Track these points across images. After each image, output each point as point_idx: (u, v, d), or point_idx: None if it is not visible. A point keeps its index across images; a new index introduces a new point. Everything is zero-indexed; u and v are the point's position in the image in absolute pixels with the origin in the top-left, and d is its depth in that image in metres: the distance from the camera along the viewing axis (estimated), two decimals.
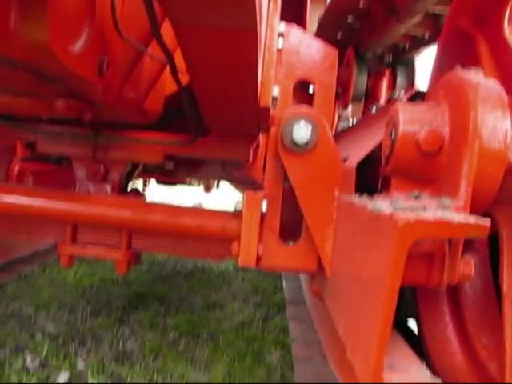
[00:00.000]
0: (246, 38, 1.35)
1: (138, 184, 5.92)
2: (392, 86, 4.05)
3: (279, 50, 2.18)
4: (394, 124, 1.54)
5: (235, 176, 3.30)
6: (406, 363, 1.49)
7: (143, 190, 5.88)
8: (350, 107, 4.49)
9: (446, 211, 1.27)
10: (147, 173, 3.30)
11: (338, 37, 4.20)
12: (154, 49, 1.96)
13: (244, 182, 3.41)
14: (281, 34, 2.12)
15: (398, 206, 1.31)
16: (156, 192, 6.60)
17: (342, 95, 4.10)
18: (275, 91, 2.02)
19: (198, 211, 2.34)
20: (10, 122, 2.48)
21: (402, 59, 4.06)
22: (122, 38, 1.56)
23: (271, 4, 1.93)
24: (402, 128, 1.48)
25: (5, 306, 3.66)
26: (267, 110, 1.99)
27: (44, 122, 2.56)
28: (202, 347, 3.25)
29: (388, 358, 1.33)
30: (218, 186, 6.42)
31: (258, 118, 2.11)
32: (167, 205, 2.37)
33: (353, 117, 4.93)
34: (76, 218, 2.41)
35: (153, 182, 5.45)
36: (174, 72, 1.69)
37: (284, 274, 5.06)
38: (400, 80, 4.00)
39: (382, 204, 1.34)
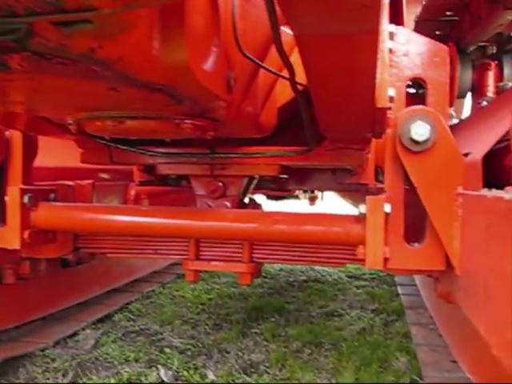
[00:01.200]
0: (368, 41, 1.36)
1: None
2: (499, 78, 3.91)
3: (390, 51, 2.17)
4: None
5: (346, 183, 3.29)
6: None
7: None
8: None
9: None
10: (257, 188, 3.35)
11: (437, 33, 4.12)
12: (268, 61, 2.03)
13: (355, 189, 3.40)
14: (391, 35, 2.12)
15: None
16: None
17: None
18: (391, 92, 2.01)
19: (320, 217, 2.35)
20: (132, 147, 2.62)
21: (508, 49, 3.93)
22: (243, 54, 1.62)
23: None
24: None
25: (132, 323, 3.83)
26: (384, 110, 1.99)
27: (161, 145, 2.69)
28: (326, 356, 3.25)
29: None
30: (322, 198, 6.43)
31: (374, 121, 2.11)
32: (289, 213, 2.40)
33: (455, 114, 4.80)
34: (200, 233, 2.49)
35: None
36: (294, 84, 1.73)
37: (399, 281, 4.98)
38: (508, 71, 3.86)
39: None
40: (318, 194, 6.38)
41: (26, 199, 2.54)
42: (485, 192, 1.64)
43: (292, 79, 1.72)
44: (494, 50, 4.09)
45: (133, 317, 3.99)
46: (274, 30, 1.35)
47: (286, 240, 2.44)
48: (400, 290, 4.74)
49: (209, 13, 1.37)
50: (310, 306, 4.27)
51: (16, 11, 0.90)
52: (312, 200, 6.50)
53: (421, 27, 3.99)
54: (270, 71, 1.91)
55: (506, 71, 3.87)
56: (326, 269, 5.65)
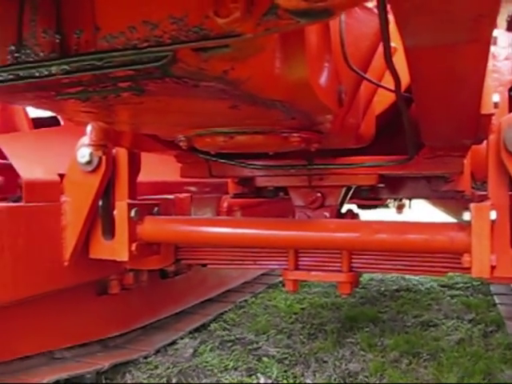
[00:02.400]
0: (479, 49, 1.36)
1: None
2: None
3: (492, 56, 2.15)
4: None
5: (441, 191, 3.25)
6: None
7: None
8: None
9: None
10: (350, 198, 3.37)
11: None
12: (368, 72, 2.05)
13: (450, 196, 3.35)
14: (493, 39, 2.10)
15: None
16: None
17: None
18: (496, 97, 1.99)
19: (423, 226, 2.34)
20: (231, 160, 2.70)
21: None
22: (350, 68, 1.65)
23: None
24: None
25: (227, 332, 3.91)
26: (489, 116, 1.97)
27: (259, 158, 2.76)
28: (426, 366, 3.21)
29: None
30: (410, 206, 6.34)
31: (477, 128, 2.09)
32: (390, 222, 2.41)
33: None
34: (300, 244, 2.53)
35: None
36: (400, 94, 1.74)
37: (495, 290, 4.85)
38: None
39: None
40: (406, 202, 6.29)
41: (132, 213, 2.67)
42: None
43: (398, 89, 1.74)
44: None
45: (228, 326, 4.07)
46: (385, 42, 1.38)
47: (388, 249, 2.44)
48: (497, 299, 4.60)
49: (321, 30, 1.41)
50: (404, 316, 4.22)
51: (162, 41, 0.97)
52: (400, 208, 6.41)
53: None
54: (374, 83, 1.94)
55: None
56: (417, 278, 5.57)
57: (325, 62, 1.43)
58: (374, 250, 2.50)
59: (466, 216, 2.16)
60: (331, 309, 4.47)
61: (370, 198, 3.73)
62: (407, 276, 5.66)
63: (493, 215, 2.07)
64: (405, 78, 1.76)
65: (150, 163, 3.05)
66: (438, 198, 3.94)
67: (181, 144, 2.02)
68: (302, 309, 4.47)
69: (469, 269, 2.14)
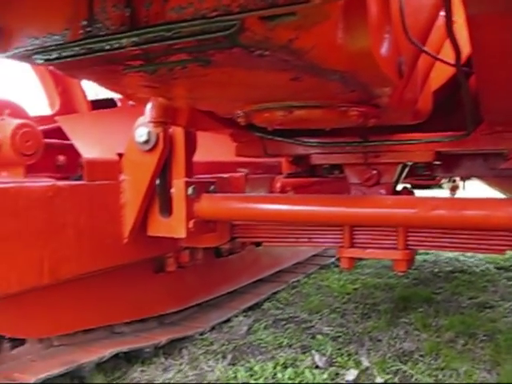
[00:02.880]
0: None
1: None
2: None
3: None
4: None
5: (499, 169, 3.19)
6: None
7: None
8: None
9: None
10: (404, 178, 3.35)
11: None
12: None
13: (508, 175, 3.29)
14: None
15: None
16: None
17: None
18: None
19: (482, 202, 2.31)
20: (289, 138, 2.72)
21: None
22: (409, 40, 1.64)
23: None
24: None
25: (281, 311, 3.95)
26: None
27: (314, 136, 2.76)
28: (482, 347, 3.17)
29: None
30: (464, 187, 6.25)
31: None
32: (448, 198, 2.39)
33: None
34: (357, 220, 2.54)
35: None
36: (460, 67, 1.72)
37: None
38: None
39: None
40: (460, 183, 6.21)
41: (190, 191, 2.72)
42: None
43: (458, 61, 1.72)
44: None
45: (281, 305, 4.11)
46: (447, 10, 1.37)
47: (446, 226, 2.42)
48: None
49: (382, 1, 1.41)
50: (459, 297, 4.18)
51: (231, 10, 0.99)
52: (453, 189, 6.32)
53: None
54: (433, 56, 1.92)
55: None
56: (472, 259, 5.49)
57: (385, 32, 1.42)
58: (432, 226, 2.48)
59: None
60: (384, 289, 4.46)
61: (425, 177, 3.70)
62: (461, 257, 5.59)
63: None
64: (463, 51, 1.74)
65: (204, 144, 3.09)
66: (494, 177, 3.87)
67: (239, 120, 2.05)
68: (355, 289, 4.48)
69: None
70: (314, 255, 5.56)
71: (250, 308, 4.00)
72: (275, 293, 4.37)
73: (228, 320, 3.73)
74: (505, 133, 2.54)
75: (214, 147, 3.51)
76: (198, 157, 3.02)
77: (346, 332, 3.46)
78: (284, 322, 3.71)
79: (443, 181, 5.35)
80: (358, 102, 1.80)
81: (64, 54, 1.21)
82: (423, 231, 2.65)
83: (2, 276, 2.28)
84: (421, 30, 1.90)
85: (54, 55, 1.23)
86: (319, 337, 3.36)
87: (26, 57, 1.36)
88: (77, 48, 1.19)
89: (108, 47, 1.14)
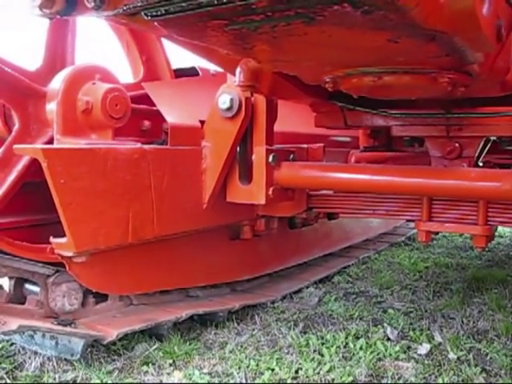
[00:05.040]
0: None
1: None
2: None
3: None
4: None
5: None
6: None
7: None
8: None
9: None
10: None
11: None
12: None
13: None
14: None
15: None
16: None
17: None
18: None
19: None
20: (366, 108, 2.71)
21: None
22: (509, 3, 1.61)
23: None
24: None
25: (351, 285, 3.97)
26: None
27: (395, 108, 2.74)
28: None
29: None
30: None
31: None
32: None
33: None
34: (438, 192, 2.51)
35: None
36: None
37: None
38: None
39: None
40: None
41: (270, 158, 2.76)
42: None
43: None
44: None
45: (351, 279, 4.13)
46: None
47: None
48: None
49: None
50: None
51: None
52: None
53: None
54: None
55: None
56: None
57: None
58: None
59: None
60: (456, 269, 4.40)
61: (509, 154, 3.61)
62: None
63: None
64: None
65: (283, 114, 3.12)
66: None
67: (326, 86, 2.06)
68: (426, 267, 4.45)
69: None
70: (384, 233, 5.53)
71: (321, 280, 4.04)
72: (345, 267, 4.39)
73: (299, 291, 3.78)
74: None
75: (292, 118, 3.54)
76: (277, 127, 3.06)
77: (417, 308, 3.45)
78: (354, 296, 3.73)
79: None
80: (450, 68, 1.78)
81: (172, 9, 1.25)
82: (504, 207, 2.60)
83: (92, 232, 2.39)
84: None
85: (162, 11, 1.28)
86: (390, 311, 3.36)
87: (134, 14, 1.41)
88: (184, 4, 1.23)
89: (216, 1, 1.18)
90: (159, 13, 1.31)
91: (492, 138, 2.80)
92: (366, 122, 2.91)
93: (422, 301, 3.61)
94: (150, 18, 1.34)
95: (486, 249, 5.06)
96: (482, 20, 1.31)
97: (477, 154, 2.74)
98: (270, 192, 2.76)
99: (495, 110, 2.58)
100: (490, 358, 2.74)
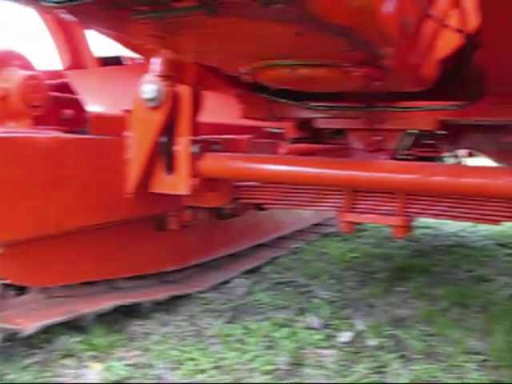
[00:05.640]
0: None
1: None
2: None
3: None
4: None
5: (504, 142, 3.21)
6: None
7: None
8: None
9: None
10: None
11: None
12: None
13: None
14: None
15: None
16: None
17: None
18: None
19: (483, 170, 2.33)
20: (290, 100, 2.73)
21: None
22: (414, 2, 1.65)
23: None
24: None
25: (280, 275, 4.01)
26: None
27: (320, 100, 2.78)
28: (475, 317, 3.22)
29: None
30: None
31: None
32: (450, 165, 2.42)
33: None
34: (358, 184, 2.57)
35: None
36: (465, 33, 1.73)
37: None
38: None
39: None
40: (463, 160, 6.21)
41: (194, 149, 2.75)
42: None
43: (463, 28, 1.73)
44: None
45: (280, 270, 4.17)
46: None
47: (445, 193, 2.45)
48: None
49: None
50: (457, 270, 4.23)
51: None
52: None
53: None
54: (439, 22, 1.92)
55: None
56: (472, 235, 5.53)
57: None
58: (431, 192, 2.51)
59: None
60: (383, 259, 4.51)
61: (429, 148, 3.71)
62: (462, 233, 5.63)
63: None
64: (471, 22, 1.74)
65: (210, 106, 3.11)
66: (498, 151, 3.87)
67: (245, 77, 2.07)
68: (355, 257, 4.53)
69: None
70: (316, 224, 5.60)
71: (250, 271, 4.06)
72: (276, 257, 4.42)
73: (227, 281, 3.79)
74: (510, 104, 2.55)
75: (220, 109, 3.53)
76: (204, 118, 3.05)
77: (342, 297, 3.51)
78: (283, 286, 3.77)
79: (445, 154, 5.35)
80: (362, 62, 1.81)
81: None
82: (422, 198, 2.68)
83: (8, 223, 2.33)
84: None
85: None
86: (316, 300, 3.42)
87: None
88: None
89: None
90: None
91: (412, 132, 2.87)
92: (291, 113, 2.94)
93: (348, 290, 3.68)
94: (53, 3, 1.31)
95: (413, 239, 5.22)
96: (382, 16, 1.34)
97: (398, 147, 2.81)
98: (193, 182, 2.75)
99: (413, 104, 2.64)
100: (408, 343, 2.82)
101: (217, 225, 3.91)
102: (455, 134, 3.34)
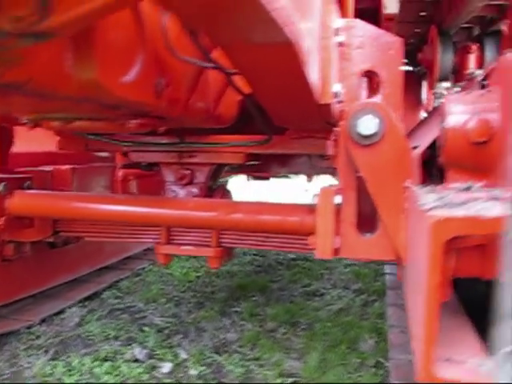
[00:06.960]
0: (284, 50, 1.42)
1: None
2: (480, 61, 3.92)
3: (342, 45, 2.22)
4: (443, 115, 1.57)
5: (323, 167, 3.37)
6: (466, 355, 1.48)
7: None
8: (444, 84, 4.38)
9: (495, 203, 1.27)
10: (238, 171, 3.45)
11: (421, 14, 4.10)
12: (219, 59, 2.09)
13: (330, 173, 3.48)
14: (338, 30, 2.16)
15: (442, 200, 1.33)
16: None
17: (427, 75, 4.03)
18: (336, 87, 2.07)
19: (278, 207, 2.44)
20: (100, 136, 2.72)
21: (490, 31, 3.91)
22: (177, 57, 1.69)
23: (324, 4, 1.96)
24: (450, 119, 1.51)
25: (119, 300, 3.97)
26: (328, 106, 2.05)
27: (133, 135, 2.78)
28: (299, 336, 3.35)
29: (448, 350, 1.34)
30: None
31: (321, 115, 2.17)
32: (249, 202, 2.51)
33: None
34: (163, 221, 2.60)
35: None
36: (232, 83, 1.80)
37: None
38: (489, 54, 3.85)
39: (429, 198, 1.37)
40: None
41: (0, 187, 2.66)
42: (418, 189, 1.70)
43: (234, 84, 1.79)
44: (478, 32, 4.09)
45: (121, 294, 4.12)
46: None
47: (245, 228, 2.54)
48: (388, 269, 4.77)
49: (129, 28, 1.43)
50: (294, 285, 4.37)
51: None
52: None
53: (406, 8, 3.98)
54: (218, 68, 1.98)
55: (487, 54, 3.87)
56: None
57: (135, 56, 1.45)
58: (233, 228, 2.59)
59: (315, 199, 2.25)
60: (225, 277, 4.57)
61: (261, 172, 3.82)
62: None
63: (338, 199, 2.17)
64: None
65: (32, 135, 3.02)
66: (319, 174, 4.04)
67: (28, 125, 2.03)
68: (198, 277, 4.57)
69: (314, 249, 2.25)
70: None
71: (88, 298, 3.97)
72: (118, 281, 4.37)
73: (61, 311, 3.69)
74: (310, 138, 2.69)
75: (43, 137, 3.44)
76: (24, 148, 2.96)
77: (175, 322, 3.54)
78: (119, 312, 3.73)
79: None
80: (135, 115, 1.83)
81: None
82: (234, 231, 2.75)
83: None
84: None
85: None
86: (146, 328, 3.41)
87: None
88: None
89: None
90: None
91: (224, 164, 2.94)
92: (106, 147, 2.92)
93: (183, 314, 3.71)
94: None
95: (260, 254, 5.33)
96: (118, 86, 1.36)
97: (209, 180, 2.87)
98: (1, 222, 2.66)
99: (221, 139, 2.72)
100: (228, 370, 2.89)
101: (49, 254, 3.80)
102: (280, 161, 3.46)
